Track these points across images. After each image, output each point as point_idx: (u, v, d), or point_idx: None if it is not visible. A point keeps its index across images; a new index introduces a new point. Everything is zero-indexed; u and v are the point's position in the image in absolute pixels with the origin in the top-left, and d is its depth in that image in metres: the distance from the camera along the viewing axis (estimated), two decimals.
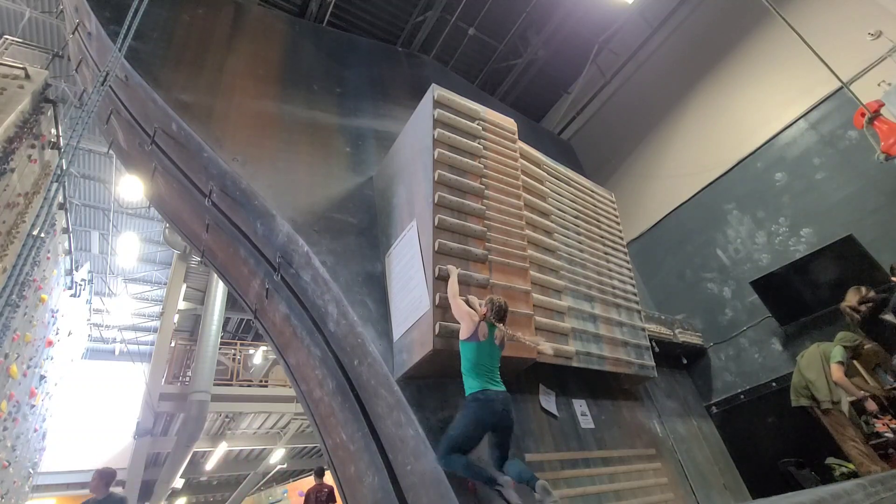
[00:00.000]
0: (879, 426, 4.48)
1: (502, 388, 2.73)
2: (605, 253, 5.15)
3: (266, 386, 11.93)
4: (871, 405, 4.18)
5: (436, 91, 3.80)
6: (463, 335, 2.79)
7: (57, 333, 8.28)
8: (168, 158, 4.36)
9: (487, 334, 2.80)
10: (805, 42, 4.60)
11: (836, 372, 4.26)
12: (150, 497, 11.12)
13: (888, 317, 4.13)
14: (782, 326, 5.78)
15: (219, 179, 4.02)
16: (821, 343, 4.63)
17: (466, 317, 2.82)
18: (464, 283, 3.16)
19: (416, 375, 3.09)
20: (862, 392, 4.21)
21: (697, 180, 7.06)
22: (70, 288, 9.08)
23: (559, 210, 4.74)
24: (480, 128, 4.00)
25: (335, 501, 6.88)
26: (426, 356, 2.91)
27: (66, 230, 8.16)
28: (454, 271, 3.09)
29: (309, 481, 12.73)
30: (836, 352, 4.35)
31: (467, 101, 4.01)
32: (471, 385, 2.70)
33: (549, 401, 3.77)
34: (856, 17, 5.58)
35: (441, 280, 3.08)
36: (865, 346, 4.54)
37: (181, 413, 9.45)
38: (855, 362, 4.57)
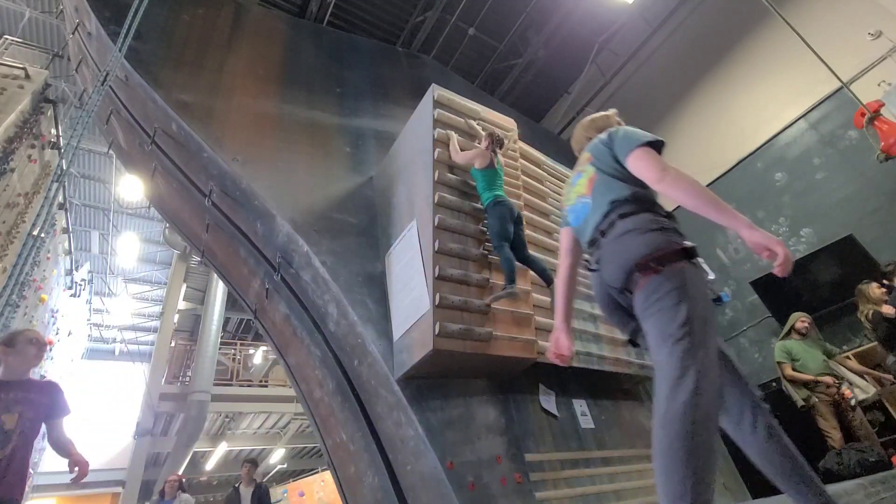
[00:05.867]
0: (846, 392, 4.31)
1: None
2: None
3: (266, 386, 11.95)
4: (828, 379, 4.21)
5: (436, 91, 3.80)
6: (479, 166, 3.40)
7: (57, 333, 8.28)
8: (168, 158, 4.36)
9: (496, 160, 3.45)
10: (805, 42, 4.60)
11: (785, 370, 4.40)
12: (150, 497, 11.12)
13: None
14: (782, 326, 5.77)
15: (219, 179, 4.02)
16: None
17: (478, 155, 3.41)
18: (463, 282, 3.17)
19: (416, 375, 3.09)
20: (813, 379, 4.24)
21: (697, 180, 7.05)
22: (70, 288, 9.08)
23: (559, 210, 4.74)
24: (480, 128, 4.00)
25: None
26: (426, 356, 2.90)
27: (66, 230, 8.17)
28: (453, 136, 3.59)
29: (309, 482, 12.76)
30: (775, 354, 4.53)
31: (467, 101, 4.01)
32: (487, 196, 3.34)
33: (549, 401, 3.77)
34: (856, 17, 5.58)
35: (441, 279, 3.08)
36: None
37: (181, 413, 9.46)
38: (840, 361, 4.49)
